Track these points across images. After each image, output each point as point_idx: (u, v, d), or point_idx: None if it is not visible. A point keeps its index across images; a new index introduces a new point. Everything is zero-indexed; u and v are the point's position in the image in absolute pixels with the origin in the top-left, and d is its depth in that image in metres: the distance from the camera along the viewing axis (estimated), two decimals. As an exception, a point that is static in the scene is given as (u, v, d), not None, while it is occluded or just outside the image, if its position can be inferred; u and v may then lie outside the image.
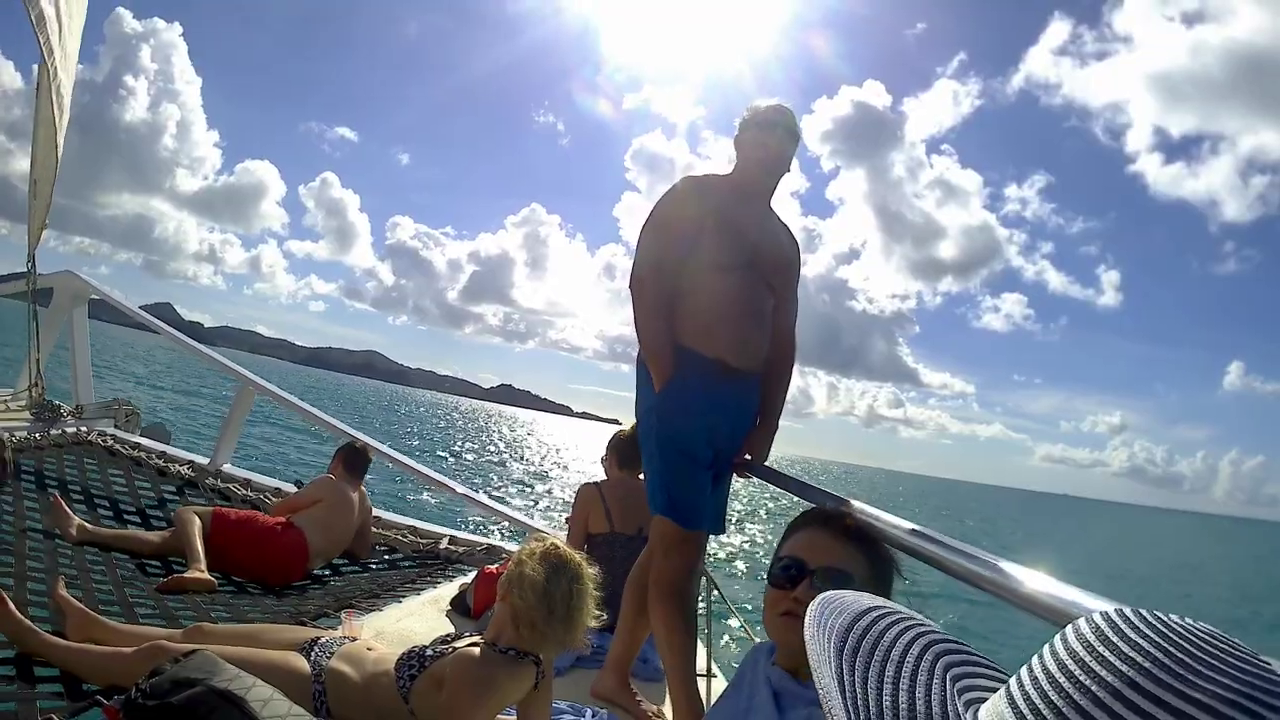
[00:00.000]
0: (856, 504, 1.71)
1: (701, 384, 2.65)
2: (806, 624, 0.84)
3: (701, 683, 2.86)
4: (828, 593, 0.89)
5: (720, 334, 2.66)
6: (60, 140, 5.44)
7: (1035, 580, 1.19)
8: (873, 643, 0.78)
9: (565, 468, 38.07)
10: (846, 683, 0.74)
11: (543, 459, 43.97)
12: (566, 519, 4.72)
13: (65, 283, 6.16)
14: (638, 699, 3.01)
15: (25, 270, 5.62)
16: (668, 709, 2.93)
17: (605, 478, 4.02)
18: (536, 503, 22.27)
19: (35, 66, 5.29)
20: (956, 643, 0.83)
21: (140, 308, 6.85)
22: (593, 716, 2.77)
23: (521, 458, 41.88)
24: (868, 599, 0.87)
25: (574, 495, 4.02)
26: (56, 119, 5.28)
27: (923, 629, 0.82)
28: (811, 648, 0.80)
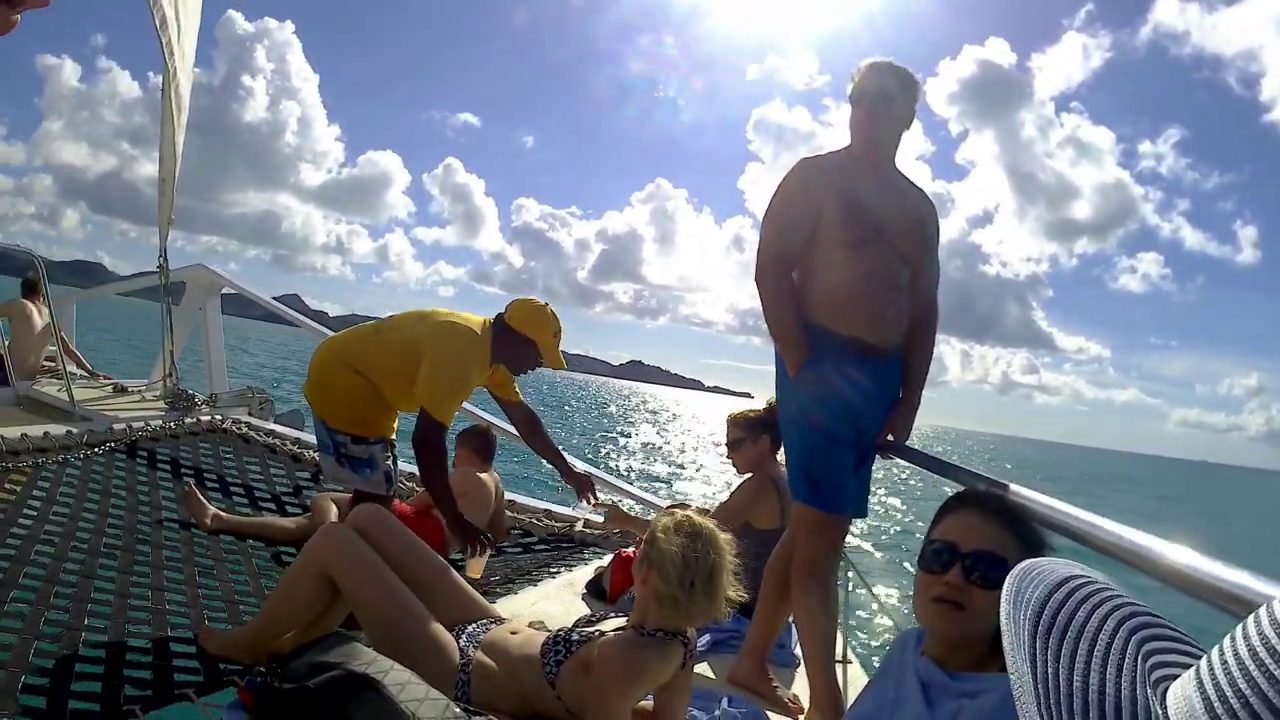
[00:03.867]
0: (1013, 485, 1.68)
1: (838, 363, 2.60)
2: (1003, 600, 0.77)
3: (838, 669, 2.81)
4: (1026, 561, 0.83)
5: (854, 312, 2.62)
6: (180, 138, 5.59)
7: (1201, 564, 1.13)
8: (1068, 617, 0.74)
9: (698, 449, 37.66)
10: (1039, 662, 0.69)
11: (674, 439, 43.72)
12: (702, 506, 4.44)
13: (198, 276, 6.36)
14: (774, 685, 2.96)
15: (157, 267, 5.80)
16: (802, 694, 2.90)
17: (742, 464, 3.73)
18: (669, 484, 22.06)
19: (150, 74, 5.45)
20: (1152, 615, 0.77)
21: (269, 300, 7.02)
22: (729, 702, 2.73)
23: (653, 437, 41.83)
24: (1065, 567, 0.81)
25: (735, 484, 3.74)
26: (175, 117, 5.42)
27: (1119, 601, 0.77)
28: (1006, 627, 0.74)
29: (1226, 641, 0.63)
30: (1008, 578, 0.81)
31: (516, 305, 3.44)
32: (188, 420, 5.17)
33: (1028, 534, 1.49)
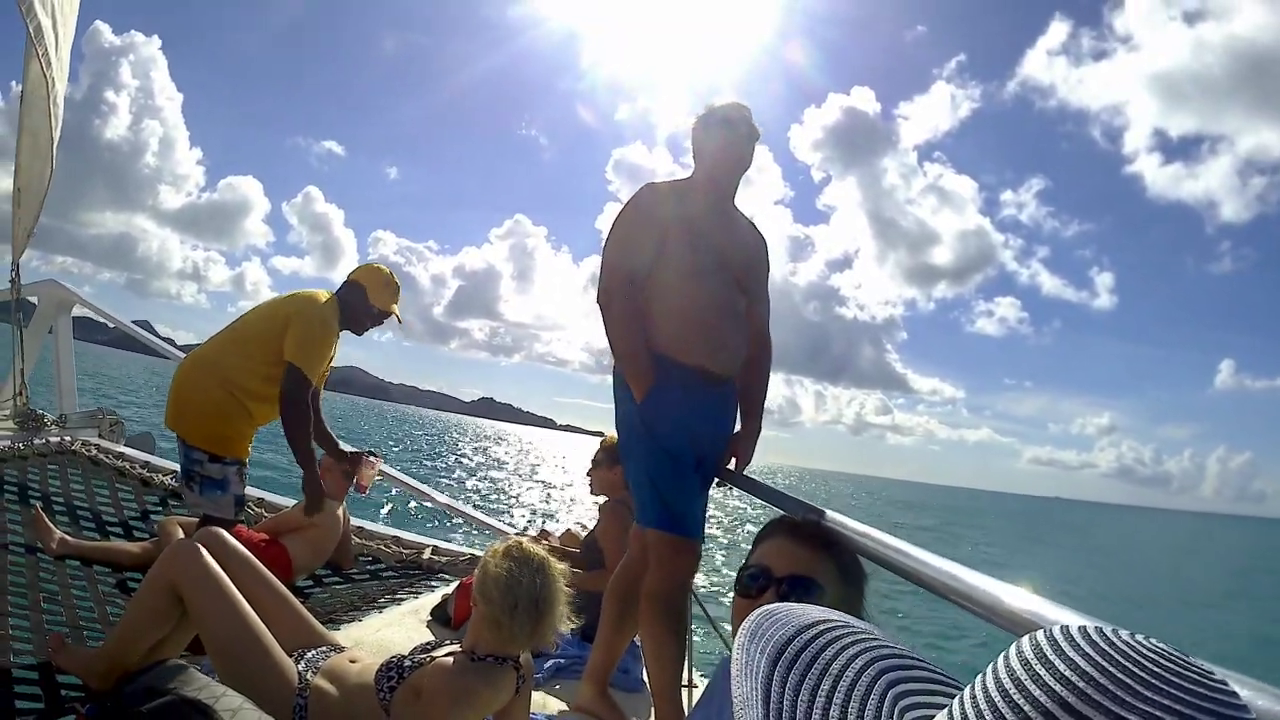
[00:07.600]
0: (828, 512, 1.69)
1: (683, 391, 2.64)
2: (738, 634, 0.75)
3: (683, 694, 2.83)
4: (770, 605, 0.80)
5: (697, 340, 2.64)
6: (55, 151, 5.48)
7: (999, 590, 1.18)
8: (811, 657, 0.71)
9: (545, 480, 38.10)
10: (774, 694, 0.67)
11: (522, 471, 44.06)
12: (565, 532, 4.64)
13: (50, 292, 6.18)
14: (617, 710, 2.97)
15: (10, 282, 5.65)
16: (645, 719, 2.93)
17: (596, 484, 4.01)
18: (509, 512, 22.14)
19: (12, 83, 5.37)
20: (911, 659, 0.75)
21: (118, 326, 6.86)
22: None
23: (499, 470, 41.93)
24: (816, 612, 0.78)
25: (599, 514, 3.92)
26: (53, 129, 5.33)
27: (872, 645, 0.75)
28: (737, 657, 0.72)
29: (978, 679, 0.63)
30: (748, 618, 0.78)
31: (357, 268, 3.86)
32: (37, 441, 5.06)
33: (842, 559, 1.52)
